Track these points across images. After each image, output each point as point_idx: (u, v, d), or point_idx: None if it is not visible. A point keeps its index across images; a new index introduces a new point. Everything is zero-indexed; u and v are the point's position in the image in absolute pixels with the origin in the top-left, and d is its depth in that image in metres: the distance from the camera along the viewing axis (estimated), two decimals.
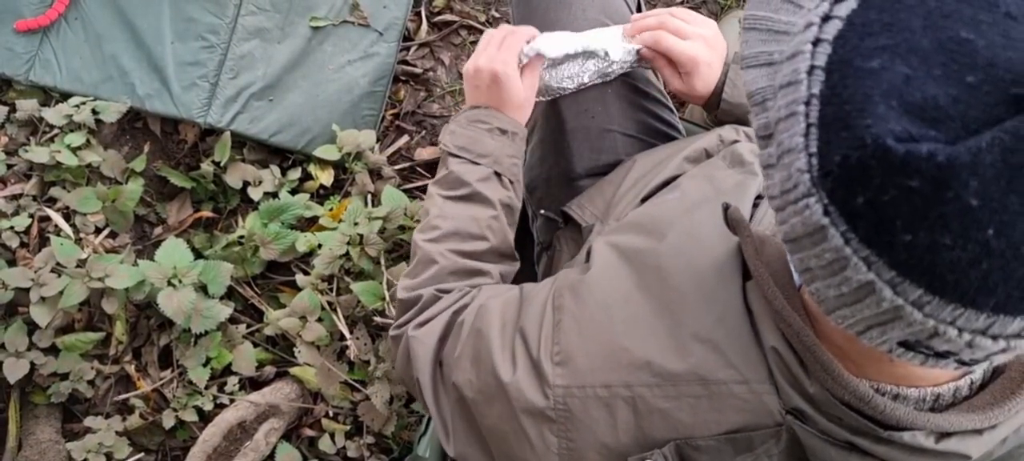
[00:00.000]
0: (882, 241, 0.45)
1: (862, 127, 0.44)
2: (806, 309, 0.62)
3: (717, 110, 1.02)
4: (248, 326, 1.47)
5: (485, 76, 0.99)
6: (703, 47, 1.00)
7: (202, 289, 1.40)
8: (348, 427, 1.41)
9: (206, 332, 1.38)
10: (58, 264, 1.35)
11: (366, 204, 1.51)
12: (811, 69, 0.48)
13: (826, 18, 0.49)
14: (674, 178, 0.94)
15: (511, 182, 0.99)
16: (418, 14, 1.73)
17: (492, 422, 0.76)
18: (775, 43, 0.54)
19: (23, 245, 1.42)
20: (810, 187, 0.48)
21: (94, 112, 1.47)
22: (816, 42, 0.49)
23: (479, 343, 0.78)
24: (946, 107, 0.42)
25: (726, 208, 0.67)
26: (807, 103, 0.48)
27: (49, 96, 1.53)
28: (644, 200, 0.94)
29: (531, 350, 0.73)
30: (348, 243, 1.41)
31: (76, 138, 1.45)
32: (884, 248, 0.45)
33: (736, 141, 0.97)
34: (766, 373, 0.63)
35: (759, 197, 0.86)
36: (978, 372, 0.61)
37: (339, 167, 1.58)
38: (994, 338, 0.46)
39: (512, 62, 0.99)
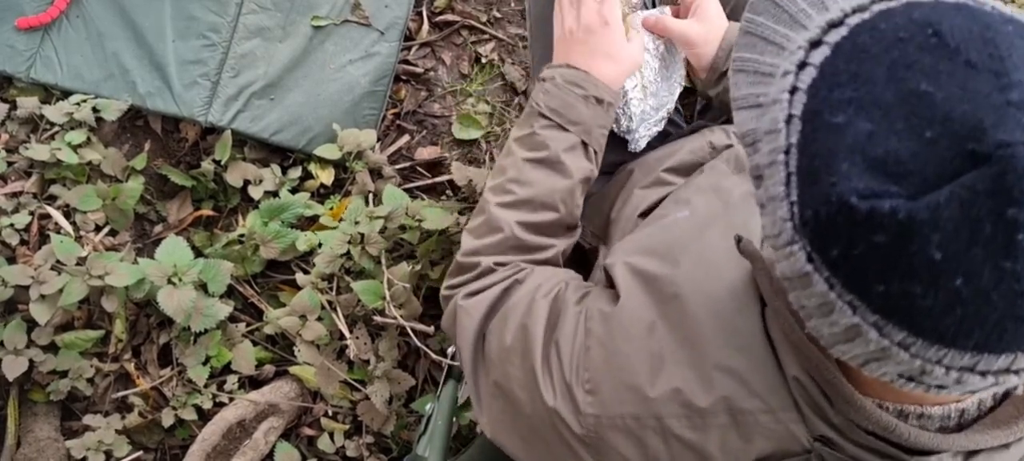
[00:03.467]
0: (861, 288, 0.46)
1: (828, 184, 0.45)
2: None
3: (720, 80, 1.01)
4: (248, 325, 1.47)
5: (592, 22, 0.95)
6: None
7: (202, 287, 1.39)
8: (347, 426, 1.41)
9: (206, 330, 1.38)
10: (58, 262, 1.35)
11: (367, 203, 1.51)
12: (789, 118, 0.49)
13: (802, 66, 0.50)
14: (666, 197, 0.93)
15: (595, 153, 0.96)
16: (419, 14, 1.73)
17: (536, 423, 0.75)
18: (762, 85, 0.54)
19: (23, 243, 1.42)
20: (793, 235, 0.49)
21: (95, 110, 1.47)
22: (793, 90, 0.49)
23: (526, 343, 0.77)
24: (907, 162, 0.43)
25: (738, 240, 0.67)
26: (787, 152, 0.49)
27: (50, 94, 1.53)
28: (643, 215, 0.94)
29: (564, 370, 0.73)
30: (348, 242, 1.41)
31: (77, 136, 1.45)
32: (864, 294, 0.46)
33: (729, 145, 0.96)
34: (791, 401, 0.63)
35: None
36: None
37: (340, 166, 1.58)
38: (982, 375, 0.46)
39: (616, 11, 0.96)
